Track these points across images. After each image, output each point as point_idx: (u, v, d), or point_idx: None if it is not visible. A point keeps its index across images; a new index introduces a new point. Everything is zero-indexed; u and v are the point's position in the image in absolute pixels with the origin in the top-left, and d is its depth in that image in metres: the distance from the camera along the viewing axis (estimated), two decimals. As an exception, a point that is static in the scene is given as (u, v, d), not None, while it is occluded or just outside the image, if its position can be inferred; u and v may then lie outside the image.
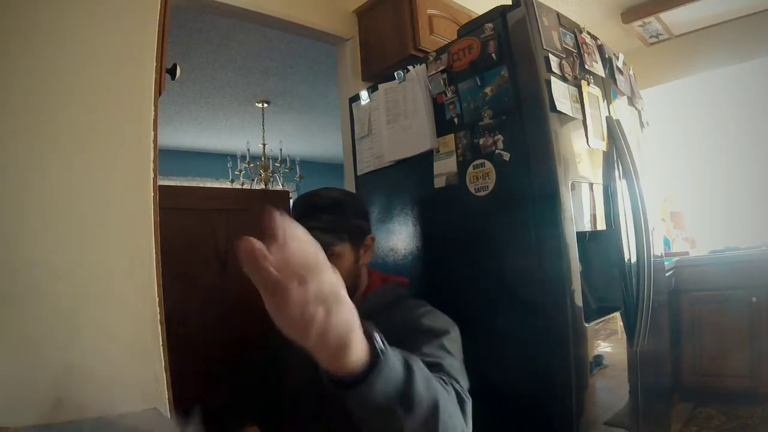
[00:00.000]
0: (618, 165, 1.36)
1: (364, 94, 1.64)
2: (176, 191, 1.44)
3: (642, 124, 1.67)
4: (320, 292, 0.40)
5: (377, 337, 0.50)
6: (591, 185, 1.27)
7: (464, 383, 0.79)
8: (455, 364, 0.82)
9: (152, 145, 0.74)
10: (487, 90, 1.26)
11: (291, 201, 1.30)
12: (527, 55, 1.19)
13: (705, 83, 3.05)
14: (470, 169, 1.29)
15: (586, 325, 1.15)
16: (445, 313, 1.06)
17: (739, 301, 2.34)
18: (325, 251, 0.97)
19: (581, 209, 1.22)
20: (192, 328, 1.15)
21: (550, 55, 1.21)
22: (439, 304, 1.08)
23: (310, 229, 0.99)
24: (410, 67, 1.46)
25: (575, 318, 1.12)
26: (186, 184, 4.70)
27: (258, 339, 1.26)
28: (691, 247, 2.92)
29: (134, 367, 0.68)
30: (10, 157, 0.63)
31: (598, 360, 1.21)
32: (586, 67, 1.34)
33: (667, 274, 2.18)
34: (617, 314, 1.31)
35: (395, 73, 1.49)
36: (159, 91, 0.76)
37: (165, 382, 0.70)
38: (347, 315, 0.43)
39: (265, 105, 3.95)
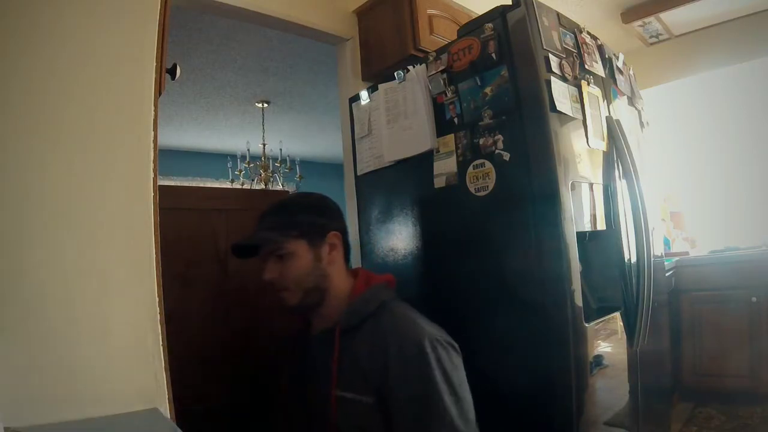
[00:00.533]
0: (618, 165, 1.36)
1: (364, 94, 1.64)
2: (176, 191, 1.44)
3: (642, 124, 1.67)
4: None
5: None
6: (591, 185, 1.27)
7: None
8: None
9: (152, 145, 0.74)
10: (487, 90, 1.26)
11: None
12: (527, 55, 1.19)
13: (705, 83, 3.05)
14: (470, 169, 1.29)
15: (586, 325, 1.15)
16: (445, 313, 1.06)
17: (739, 301, 2.33)
18: (276, 249, 0.97)
19: (581, 209, 1.22)
20: (192, 328, 1.15)
21: (550, 55, 1.21)
22: (439, 304, 1.08)
23: (258, 233, 1.00)
24: (410, 67, 1.46)
25: (575, 318, 1.12)
26: (186, 184, 4.69)
27: (258, 338, 1.27)
28: (691, 247, 2.92)
29: (134, 367, 0.68)
30: (9, 157, 0.63)
31: (598, 360, 1.21)
32: (586, 67, 1.34)
33: (667, 274, 2.18)
34: (617, 314, 1.31)
35: (395, 73, 1.49)
36: (159, 91, 0.76)
37: (165, 382, 0.70)
38: None
39: (265, 105, 3.95)
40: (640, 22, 2.78)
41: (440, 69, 1.37)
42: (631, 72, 1.65)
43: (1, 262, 0.60)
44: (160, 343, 0.70)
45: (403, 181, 1.50)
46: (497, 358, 1.15)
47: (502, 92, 1.23)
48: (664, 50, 3.05)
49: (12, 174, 0.63)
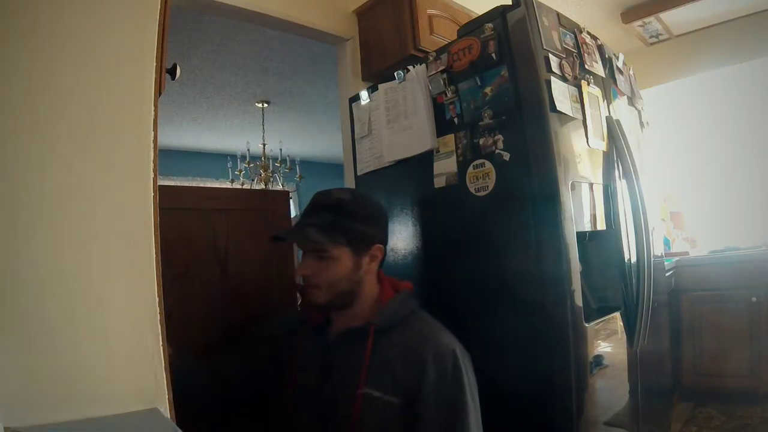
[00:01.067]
0: (618, 165, 1.36)
1: (364, 94, 1.64)
2: (176, 191, 1.44)
3: (642, 124, 1.67)
4: None
5: None
6: (591, 185, 1.28)
7: None
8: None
9: (152, 145, 0.74)
10: (487, 90, 1.26)
11: (291, 201, 1.30)
12: (527, 55, 1.19)
13: (705, 83, 3.05)
14: (470, 169, 1.29)
15: (586, 325, 1.15)
16: (445, 313, 1.06)
17: (739, 301, 2.34)
18: (319, 251, 0.98)
19: (581, 209, 1.22)
20: (192, 328, 1.15)
21: (550, 55, 1.21)
22: (439, 304, 1.08)
23: (306, 226, 1.00)
24: (410, 67, 1.46)
25: (575, 318, 1.12)
26: (186, 184, 4.69)
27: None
28: (691, 247, 2.92)
29: (134, 367, 0.68)
30: (9, 157, 0.63)
31: (598, 360, 1.21)
32: (586, 67, 1.34)
33: (667, 274, 2.18)
34: (617, 314, 1.31)
35: (395, 73, 1.49)
36: (159, 91, 0.76)
37: (165, 382, 0.70)
38: None
39: (265, 105, 3.95)
40: (640, 22, 2.78)
41: (440, 69, 1.37)
42: (631, 72, 1.65)
43: (0, 263, 0.60)
44: (160, 343, 0.70)
45: (403, 181, 1.50)
46: (497, 358, 1.15)
47: (502, 92, 1.23)
48: (664, 50, 3.05)
49: (12, 174, 0.63)
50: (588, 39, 1.38)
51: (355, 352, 0.95)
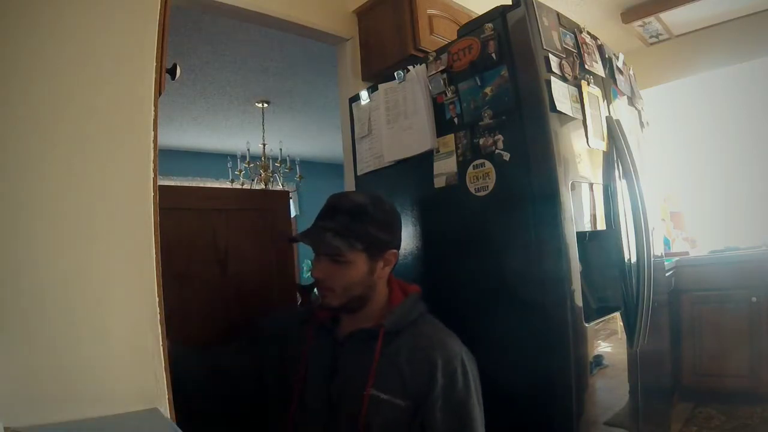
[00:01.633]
0: (618, 165, 1.36)
1: (364, 94, 1.64)
2: (176, 191, 1.44)
3: (642, 124, 1.67)
4: None
5: None
6: (591, 185, 1.28)
7: None
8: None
9: (152, 145, 0.74)
10: (487, 90, 1.26)
11: (291, 201, 1.30)
12: (527, 55, 1.19)
13: (705, 83, 3.05)
14: (470, 169, 1.29)
15: (586, 325, 1.15)
16: (445, 313, 1.06)
17: (739, 301, 2.34)
18: (335, 255, 0.98)
19: (581, 209, 1.22)
20: (192, 328, 1.15)
21: (550, 55, 1.21)
22: (439, 304, 1.08)
23: (324, 230, 1.01)
24: (410, 67, 1.46)
25: (575, 318, 1.12)
26: (186, 184, 4.69)
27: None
28: (691, 247, 2.92)
29: (134, 367, 0.68)
30: (9, 157, 0.63)
31: (598, 360, 1.21)
32: (586, 67, 1.34)
33: (667, 274, 2.18)
34: (617, 314, 1.31)
35: (395, 73, 1.49)
36: (159, 91, 0.76)
37: (165, 382, 0.70)
38: None
39: (265, 105, 3.95)
40: (640, 22, 2.78)
41: (440, 69, 1.37)
42: (631, 72, 1.65)
43: (0, 263, 0.60)
44: (160, 343, 0.70)
45: (403, 181, 1.50)
46: (497, 358, 1.15)
47: (502, 92, 1.23)
48: (664, 50, 3.05)
49: (11, 174, 0.63)
50: (588, 39, 1.38)
51: (363, 353, 0.96)
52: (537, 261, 1.15)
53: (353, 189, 1.72)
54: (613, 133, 1.36)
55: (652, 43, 3.07)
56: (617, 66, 1.52)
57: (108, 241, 0.69)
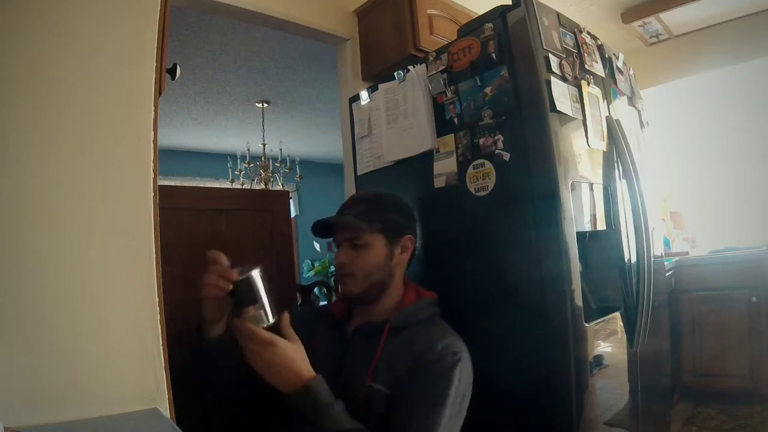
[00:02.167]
0: (618, 165, 1.36)
1: (364, 94, 1.64)
2: (176, 191, 1.44)
3: (642, 124, 1.67)
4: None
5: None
6: (591, 185, 1.27)
7: None
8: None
9: (152, 145, 0.74)
10: (487, 90, 1.26)
11: (291, 201, 1.30)
12: (527, 55, 1.19)
13: (705, 83, 3.05)
14: (470, 169, 1.29)
15: (586, 325, 1.15)
16: (445, 314, 1.06)
17: (739, 301, 2.33)
18: (355, 237, 1.01)
19: (581, 209, 1.22)
20: (192, 328, 1.15)
21: (550, 55, 1.21)
22: (438, 304, 1.08)
23: (346, 216, 1.04)
24: (410, 67, 1.46)
25: (575, 318, 1.12)
26: (186, 184, 4.69)
27: None
28: (691, 247, 2.92)
29: (134, 367, 0.68)
30: (9, 157, 0.63)
31: (598, 360, 1.21)
32: (586, 67, 1.34)
33: (667, 274, 2.18)
34: (617, 314, 1.31)
35: (395, 73, 1.49)
36: (159, 91, 0.76)
37: (165, 382, 0.70)
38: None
39: (265, 105, 3.95)
40: (640, 22, 2.78)
41: (440, 69, 1.37)
42: (631, 72, 1.65)
43: (1, 263, 0.60)
44: (160, 343, 0.70)
45: (403, 181, 1.49)
46: (497, 358, 1.15)
47: (502, 92, 1.23)
48: (664, 50, 3.05)
49: (12, 174, 0.63)
50: (588, 39, 1.38)
51: (368, 347, 0.97)
52: (537, 261, 1.15)
53: (353, 189, 1.72)
54: (613, 133, 1.36)
55: (652, 43, 3.07)
56: (617, 66, 1.52)
57: (108, 241, 0.69)
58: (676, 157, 3.15)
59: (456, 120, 1.34)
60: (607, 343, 1.28)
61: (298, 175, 4.39)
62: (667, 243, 2.76)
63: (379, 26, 1.95)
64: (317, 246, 5.24)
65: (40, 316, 0.62)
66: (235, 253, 1.28)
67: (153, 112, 0.74)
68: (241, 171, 4.22)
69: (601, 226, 1.30)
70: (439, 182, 1.37)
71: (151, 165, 0.73)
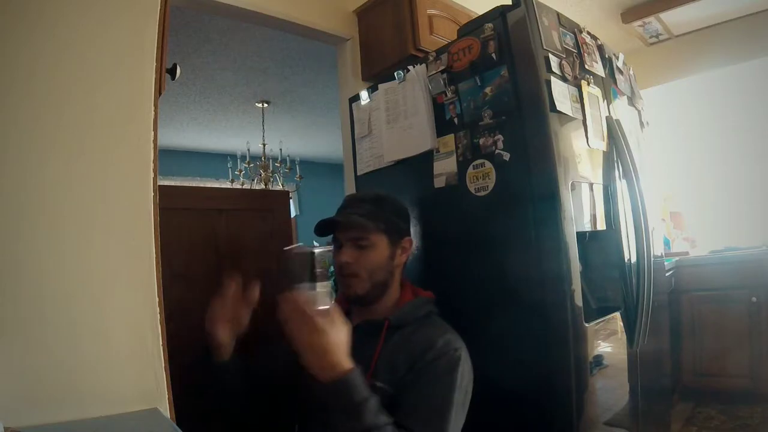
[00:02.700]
0: (618, 165, 1.36)
1: (364, 94, 1.64)
2: (176, 191, 1.44)
3: (642, 124, 1.67)
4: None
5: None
6: (591, 185, 1.27)
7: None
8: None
9: (152, 145, 0.74)
10: (487, 90, 1.26)
11: (291, 201, 1.30)
12: (527, 55, 1.19)
13: (705, 83, 3.05)
14: (470, 169, 1.29)
15: (586, 325, 1.15)
16: (445, 314, 1.06)
17: (739, 301, 2.33)
18: (362, 237, 1.03)
19: (581, 209, 1.22)
20: (192, 328, 1.15)
21: (550, 55, 1.21)
22: (438, 304, 1.08)
23: (351, 215, 1.04)
24: (410, 67, 1.46)
25: (575, 318, 1.12)
26: (186, 184, 4.69)
27: (257, 338, 1.27)
28: (691, 247, 2.92)
29: (134, 367, 0.68)
30: (10, 157, 0.63)
31: (598, 360, 1.21)
32: (586, 67, 1.34)
33: (667, 274, 2.18)
34: (617, 314, 1.31)
35: (395, 73, 1.49)
36: (159, 91, 0.76)
37: (165, 382, 0.70)
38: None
39: (265, 105, 3.95)
40: (640, 22, 2.78)
41: (440, 69, 1.37)
42: (631, 72, 1.65)
43: (1, 263, 0.61)
44: (160, 343, 0.70)
45: (403, 181, 1.49)
46: (497, 358, 1.15)
47: (502, 92, 1.23)
48: (664, 50, 3.05)
49: (12, 174, 0.63)
50: (588, 39, 1.38)
51: (367, 345, 0.98)
52: (537, 261, 1.15)
53: (353, 189, 1.72)
54: (613, 133, 1.36)
55: (652, 43, 3.07)
56: (617, 66, 1.52)
57: (108, 242, 0.69)
58: (676, 157, 3.14)
59: (456, 120, 1.34)
60: (607, 343, 1.28)
61: (298, 175, 4.39)
62: (667, 243, 2.76)
63: (379, 26, 1.95)
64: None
65: (40, 316, 0.62)
66: (236, 253, 1.28)
67: (153, 112, 0.74)
68: (241, 171, 4.22)
69: (601, 226, 1.30)
70: (439, 182, 1.37)
71: (151, 165, 0.73)
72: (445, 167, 1.36)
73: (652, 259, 1.33)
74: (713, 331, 2.40)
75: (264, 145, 4.18)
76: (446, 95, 1.35)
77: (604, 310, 1.29)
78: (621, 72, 1.54)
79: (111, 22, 0.73)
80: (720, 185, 3.06)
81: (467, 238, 1.32)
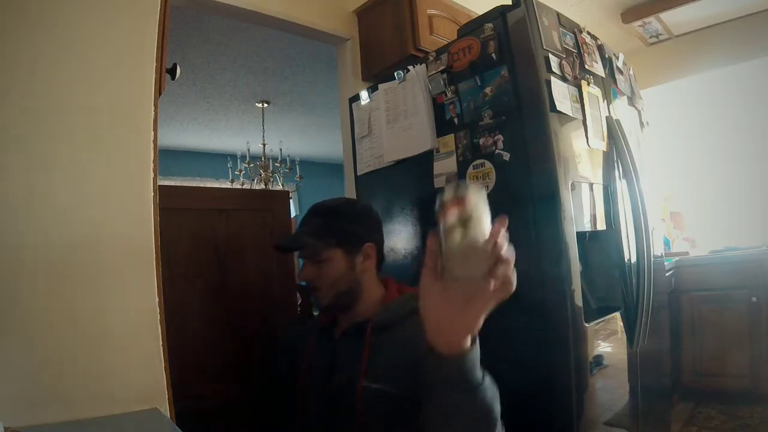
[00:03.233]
0: (618, 165, 1.36)
1: (364, 94, 1.64)
2: (176, 191, 1.44)
3: (642, 124, 1.67)
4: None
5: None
6: (591, 185, 1.27)
7: None
8: None
9: (152, 145, 0.74)
10: (487, 90, 1.26)
11: (291, 201, 1.30)
12: (527, 55, 1.19)
13: (705, 83, 3.05)
14: (470, 169, 1.29)
15: (586, 325, 1.15)
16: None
17: (739, 301, 2.34)
18: (314, 256, 1.00)
19: (581, 209, 1.22)
20: (192, 328, 1.15)
21: (550, 55, 1.21)
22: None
23: (300, 234, 1.03)
24: (410, 67, 1.46)
25: (575, 318, 1.12)
26: (186, 184, 4.69)
27: (257, 338, 1.27)
28: (691, 247, 2.92)
29: (134, 367, 0.68)
30: (10, 157, 0.63)
31: (598, 360, 1.21)
32: (586, 67, 1.34)
33: (667, 274, 2.18)
34: (617, 314, 1.31)
35: (395, 73, 1.49)
36: (159, 91, 0.76)
37: (165, 382, 0.70)
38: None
39: (265, 105, 3.95)
40: (640, 22, 2.78)
41: (440, 69, 1.37)
42: (631, 72, 1.65)
43: (1, 263, 0.60)
44: (160, 343, 0.70)
45: (403, 181, 1.50)
46: (497, 358, 1.14)
47: (502, 92, 1.23)
48: (664, 50, 3.06)
49: (12, 174, 0.63)
50: (588, 39, 1.38)
51: (356, 348, 0.97)
52: (537, 261, 1.15)
53: (353, 189, 1.72)
54: (613, 133, 1.36)
55: (652, 43, 3.07)
56: (617, 66, 1.52)
57: (108, 242, 0.69)
58: (676, 157, 3.15)
59: (456, 120, 1.34)
60: (607, 343, 1.28)
61: (298, 175, 4.39)
62: (667, 243, 2.76)
63: (379, 26, 1.95)
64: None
65: (40, 317, 0.62)
66: (235, 253, 1.28)
67: (153, 112, 0.74)
68: (241, 171, 4.22)
69: (601, 226, 1.30)
70: (439, 182, 1.37)
71: (151, 165, 0.73)
72: (445, 167, 1.36)
73: (652, 259, 1.33)
74: (713, 331, 2.40)
75: (264, 145, 4.18)
76: (446, 95, 1.35)
77: (604, 310, 1.29)
78: (621, 72, 1.54)
79: (111, 22, 0.73)
80: (720, 185, 3.06)
81: (467, 238, 1.32)
